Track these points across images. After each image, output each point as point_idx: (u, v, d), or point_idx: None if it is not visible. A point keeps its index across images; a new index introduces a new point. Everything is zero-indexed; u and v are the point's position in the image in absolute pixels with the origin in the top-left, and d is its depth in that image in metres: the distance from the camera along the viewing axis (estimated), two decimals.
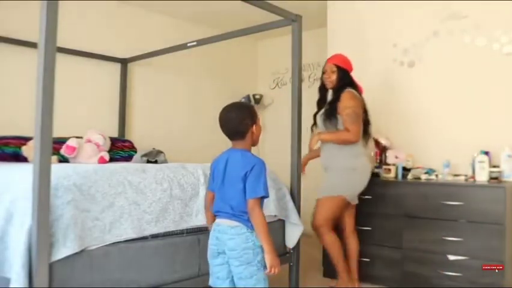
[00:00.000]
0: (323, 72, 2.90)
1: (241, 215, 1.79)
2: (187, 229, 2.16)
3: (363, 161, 2.77)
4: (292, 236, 2.64)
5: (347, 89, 2.78)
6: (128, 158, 3.55)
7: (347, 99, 2.72)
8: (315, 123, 2.95)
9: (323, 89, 2.95)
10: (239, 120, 1.84)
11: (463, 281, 2.61)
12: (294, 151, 2.70)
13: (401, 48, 3.45)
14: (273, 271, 1.76)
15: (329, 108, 2.80)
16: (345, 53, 3.79)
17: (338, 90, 2.80)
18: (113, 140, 3.60)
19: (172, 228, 2.07)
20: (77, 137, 3.24)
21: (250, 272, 1.77)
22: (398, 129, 3.41)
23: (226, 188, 1.82)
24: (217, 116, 1.88)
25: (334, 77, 2.82)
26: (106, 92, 4.00)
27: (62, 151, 3.04)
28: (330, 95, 2.90)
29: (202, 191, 2.22)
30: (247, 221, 1.79)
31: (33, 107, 1.56)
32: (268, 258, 1.76)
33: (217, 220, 1.85)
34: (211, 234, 1.86)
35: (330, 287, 2.91)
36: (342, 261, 2.76)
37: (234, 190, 1.79)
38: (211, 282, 1.88)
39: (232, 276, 1.82)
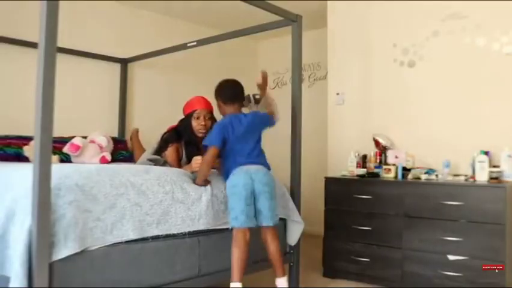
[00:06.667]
0: (196, 118, 2.68)
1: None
2: (188, 231, 2.15)
3: None
4: (293, 233, 2.65)
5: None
6: (130, 158, 3.55)
7: None
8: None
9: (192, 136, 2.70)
10: None
11: (463, 281, 2.61)
12: (294, 151, 2.71)
13: (401, 48, 3.45)
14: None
15: None
16: (345, 53, 3.79)
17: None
18: (115, 141, 3.59)
19: (173, 231, 2.07)
20: (82, 137, 3.25)
21: None
22: (398, 129, 3.41)
23: (248, 142, 2.32)
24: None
25: (209, 123, 2.68)
26: (106, 92, 4.00)
27: (66, 149, 3.05)
28: None
29: (205, 196, 2.22)
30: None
31: (34, 107, 1.56)
32: None
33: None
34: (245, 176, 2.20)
35: None
36: None
37: (253, 143, 2.36)
38: (239, 223, 2.14)
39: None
